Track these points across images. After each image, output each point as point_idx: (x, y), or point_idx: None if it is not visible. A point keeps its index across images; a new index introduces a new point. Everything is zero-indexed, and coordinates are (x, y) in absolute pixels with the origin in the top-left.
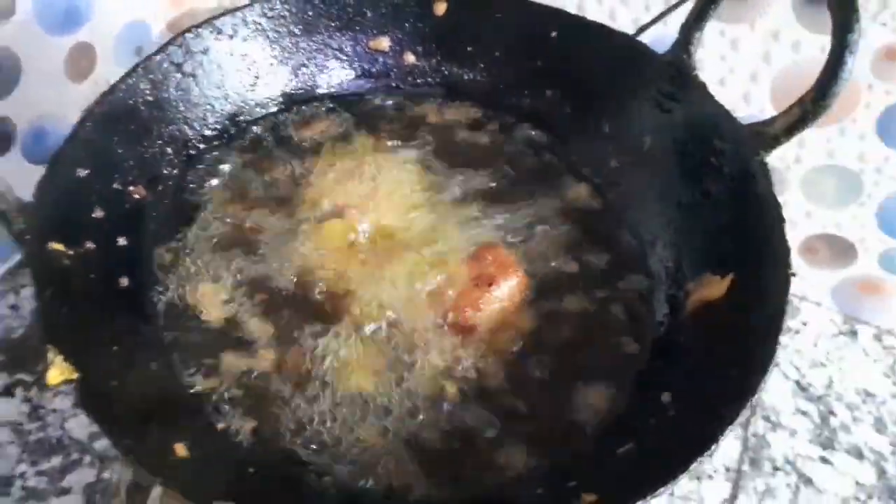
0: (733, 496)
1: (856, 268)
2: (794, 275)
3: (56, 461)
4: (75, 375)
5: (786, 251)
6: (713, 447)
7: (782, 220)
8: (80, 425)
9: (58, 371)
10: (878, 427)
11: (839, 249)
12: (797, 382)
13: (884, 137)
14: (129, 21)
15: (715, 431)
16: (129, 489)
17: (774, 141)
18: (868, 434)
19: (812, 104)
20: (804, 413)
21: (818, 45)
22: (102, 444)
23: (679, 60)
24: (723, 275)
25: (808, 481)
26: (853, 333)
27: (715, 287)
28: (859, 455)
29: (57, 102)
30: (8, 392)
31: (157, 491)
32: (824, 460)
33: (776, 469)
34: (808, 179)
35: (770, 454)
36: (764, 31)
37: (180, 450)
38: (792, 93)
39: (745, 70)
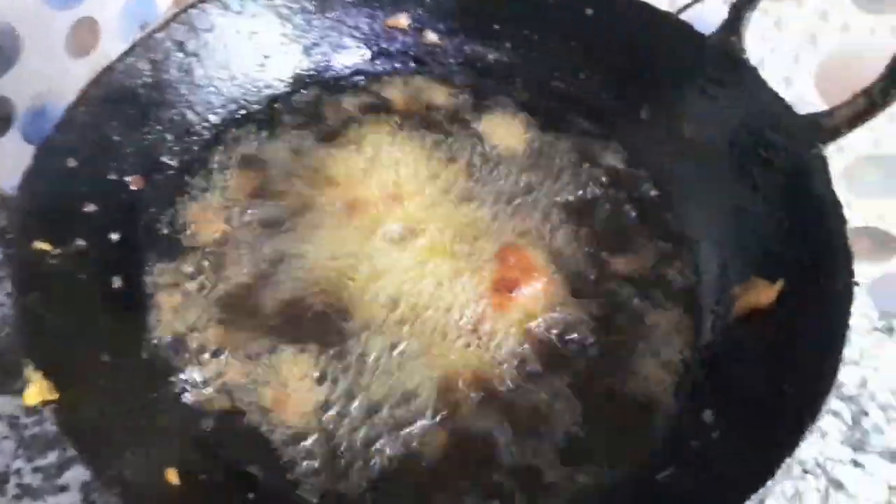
0: (761, 500)
1: None
2: (857, 284)
3: (53, 457)
4: (55, 396)
5: (848, 257)
6: (767, 482)
7: (844, 222)
8: None
9: (36, 390)
10: None
11: (880, 243)
12: None
13: None
14: None
15: (768, 464)
16: None
17: (834, 133)
18: None
19: (881, 94)
20: (836, 413)
21: (869, 27)
22: None
23: (727, 42)
24: (773, 280)
25: (839, 485)
26: (890, 330)
27: (763, 293)
28: (893, 458)
29: (58, 80)
30: (3, 387)
31: None
32: (856, 463)
33: (805, 472)
34: (852, 169)
35: (799, 456)
36: (811, 10)
37: (172, 476)
38: (837, 78)
39: (787, 51)
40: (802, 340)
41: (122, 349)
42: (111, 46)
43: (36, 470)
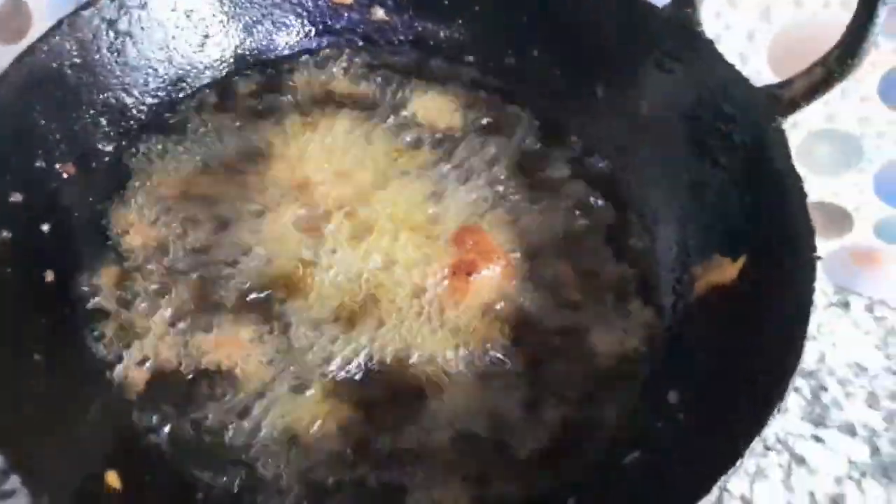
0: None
1: (850, 237)
2: (819, 258)
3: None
4: None
5: (809, 231)
6: (736, 463)
7: (804, 196)
8: None
9: None
10: (871, 402)
11: (834, 218)
12: None
13: (887, 99)
14: None
15: (737, 445)
16: None
17: (792, 106)
18: (861, 410)
19: (837, 63)
20: (796, 389)
21: (821, 2)
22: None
23: (683, 15)
24: (734, 257)
25: (801, 460)
26: (845, 305)
27: (725, 270)
28: (852, 432)
29: None
30: None
31: None
32: (817, 438)
33: (767, 449)
34: (805, 145)
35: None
36: None
37: (112, 479)
38: (791, 53)
39: (742, 28)
40: (766, 317)
41: (56, 347)
42: (44, 29)
43: None
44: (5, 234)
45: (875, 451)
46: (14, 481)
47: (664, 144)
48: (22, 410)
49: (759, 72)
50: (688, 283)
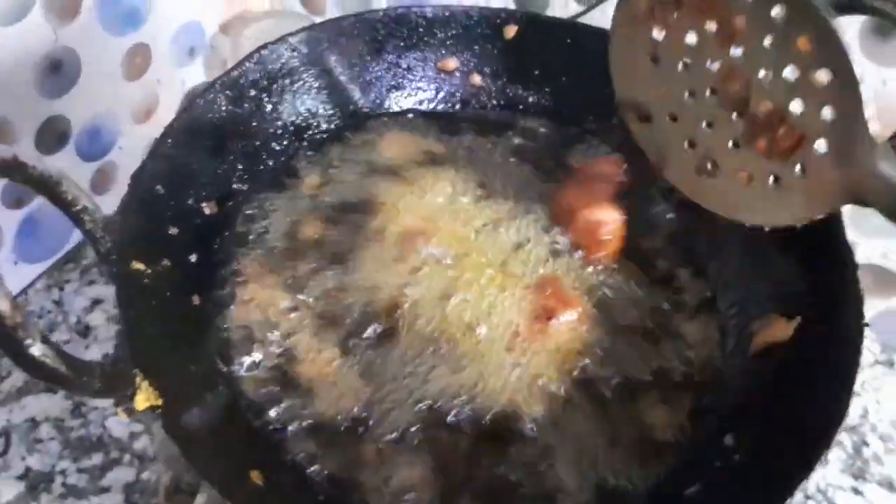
0: None
1: None
2: (867, 325)
3: (97, 459)
4: (160, 402)
5: (859, 300)
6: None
7: (856, 267)
8: (121, 424)
9: (144, 397)
10: None
11: (883, 280)
12: None
13: None
14: (185, 22)
15: (785, 488)
16: (167, 491)
17: None
18: None
19: None
20: (838, 443)
21: (880, 78)
22: (142, 444)
23: None
24: (790, 317)
25: None
26: (890, 364)
27: (781, 328)
28: (891, 487)
29: (112, 101)
30: (51, 388)
31: (201, 498)
32: (856, 491)
33: (808, 498)
34: (858, 209)
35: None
36: None
37: (255, 477)
38: None
39: None
40: (817, 374)
41: (204, 361)
42: (160, 69)
43: (80, 471)
44: (165, 262)
45: None
46: (110, 478)
47: None
48: (186, 413)
49: None
50: (747, 336)
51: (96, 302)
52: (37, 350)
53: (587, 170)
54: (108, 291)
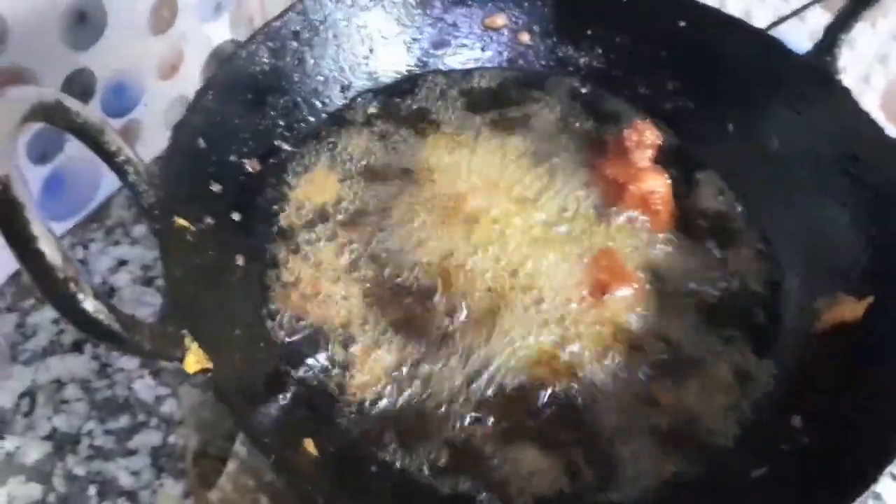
0: None
1: None
2: None
3: (124, 421)
4: (210, 365)
5: None
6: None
7: None
8: (147, 387)
9: (194, 359)
10: None
11: None
12: None
13: None
14: None
15: (864, 474)
16: (195, 455)
17: None
18: None
19: None
20: None
21: None
22: (168, 407)
23: (821, 63)
24: (860, 296)
25: (877, 496)
26: None
27: (850, 308)
28: None
29: (137, 56)
30: (77, 348)
31: (232, 465)
32: (894, 476)
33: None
34: None
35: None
36: (885, 32)
37: (309, 446)
38: None
39: (857, 70)
40: (887, 357)
41: (249, 325)
42: (187, 23)
43: (107, 432)
44: (209, 220)
45: None
46: (137, 441)
47: (793, 181)
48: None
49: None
50: (812, 316)
51: (122, 262)
52: (89, 305)
53: (624, 139)
54: (132, 252)
